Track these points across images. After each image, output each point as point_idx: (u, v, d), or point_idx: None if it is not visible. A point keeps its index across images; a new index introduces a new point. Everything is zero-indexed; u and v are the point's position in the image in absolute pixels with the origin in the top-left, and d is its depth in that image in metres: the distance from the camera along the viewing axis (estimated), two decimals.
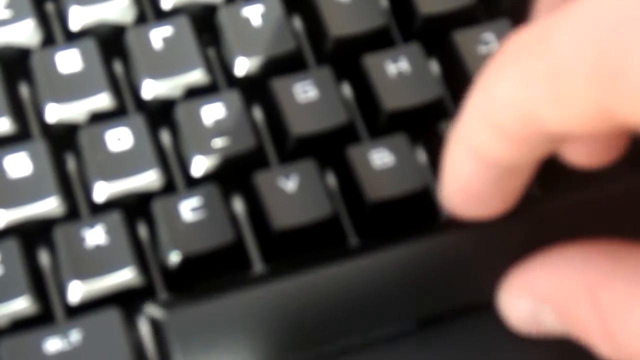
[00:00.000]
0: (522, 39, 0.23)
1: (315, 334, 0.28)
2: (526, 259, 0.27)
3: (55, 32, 0.34)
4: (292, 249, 0.30)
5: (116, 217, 0.30)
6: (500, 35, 0.33)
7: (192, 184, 0.31)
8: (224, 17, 0.33)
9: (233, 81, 0.33)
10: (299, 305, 0.28)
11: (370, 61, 0.33)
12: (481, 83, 0.24)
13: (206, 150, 0.31)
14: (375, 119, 0.32)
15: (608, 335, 0.24)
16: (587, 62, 0.21)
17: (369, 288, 0.28)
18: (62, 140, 0.32)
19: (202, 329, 0.28)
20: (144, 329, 0.30)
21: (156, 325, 0.29)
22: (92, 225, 0.30)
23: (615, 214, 0.29)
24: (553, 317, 0.26)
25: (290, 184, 0.31)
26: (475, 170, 0.25)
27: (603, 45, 0.20)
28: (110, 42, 0.33)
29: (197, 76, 0.32)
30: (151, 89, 0.32)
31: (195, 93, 0.32)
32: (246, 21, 0.33)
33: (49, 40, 0.34)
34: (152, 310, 0.29)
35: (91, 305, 0.29)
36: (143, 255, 0.30)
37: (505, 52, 0.23)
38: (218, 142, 0.31)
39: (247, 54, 0.32)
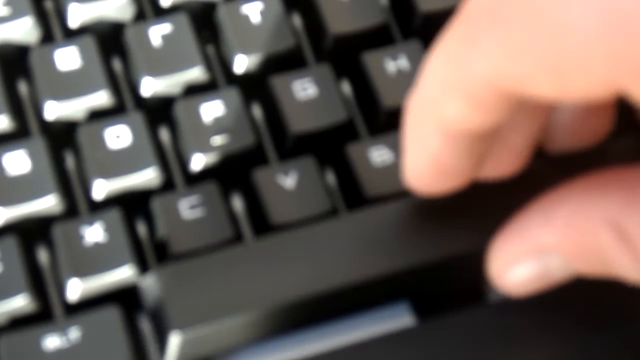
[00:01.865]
0: (506, 5, 0.21)
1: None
2: (508, 220, 0.26)
3: (54, 30, 0.34)
4: None
5: (115, 214, 0.30)
6: None
7: (191, 181, 0.31)
8: (223, 14, 0.33)
9: (232, 79, 0.33)
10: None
11: (369, 59, 0.33)
12: (447, 51, 0.22)
13: (205, 148, 0.31)
14: (374, 116, 0.32)
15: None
16: (600, 44, 0.19)
17: (360, 240, 0.28)
18: (61, 137, 0.32)
19: (193, 283, 0.28)
20: (144, 326, 0.30)
21: (148, 289, 0.29)
22: (91, 223, 0.30)
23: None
24: (561, 263, 0.25)
25: (289, 182, 0.31)
26: (443, 143, 0.24)
27: (620, 27, 0.19)
28: (109, 39, 0.33)
29: (196, 74, 0.32)
30: (150, 87, 0.32)
31: (194, 90, 0.32)
32: (245, 19, 0.33)
33: (47, 38, 0.33)
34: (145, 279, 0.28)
35: (90, 303, 0.29)
36: (142, 253, 0.30)
37: (475, 15, 0.21)
38: (217, 140, 0.31)
39: (247, 51, 0.32)
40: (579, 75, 0.20)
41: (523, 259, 0.25)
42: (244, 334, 0.28)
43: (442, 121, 0.24)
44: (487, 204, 0.28)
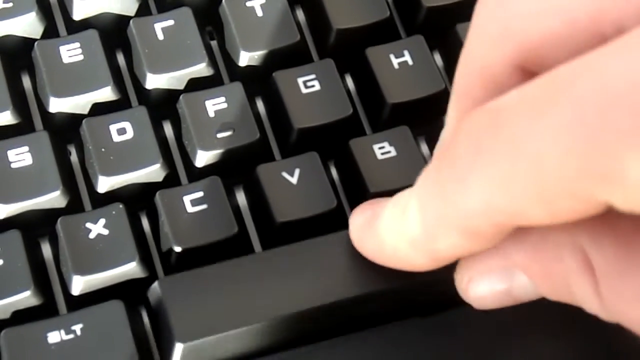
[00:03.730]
0: (483, 141, 0.21)
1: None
2: None
3: (58, 24, 0.34)
4: (295, 242, 0.30)
5: (119, 209, 0.30)
6: None
7: (195, 176, 0.31)
8: (227, 9, 0.33)
9: (236, 73, 0.33)
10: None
11: (373, 54, 0.33)
12: (435, 189, 0.23)
13: (209, 143, 0.31)
14: (378, 111, 0.32)
15: (599, 297, 0.23)
16: (575, 162, 0.19)
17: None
18: (66, 132, 0.32)
19: (194, 290, 0.28)
20: (147, 320, 0.30)
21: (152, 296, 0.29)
22: (95, 218, 0.30)
23: None
24: (526, 284, 0.25)
25: (293, 177, 0.31)
26: (427, 264, 0.25)
27: (589, 144, 0.19)
28: (113, 33, 0.33)
29: (200, 68, 0.32)
30: (154, 81, 0.32)
31: (198, 85, 0.32)
32: (250, 14, 0.33)
33: (52, 32, 0.33)
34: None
35: (94, 297, 0.29)
36: (146, 248, 0.30)
37: (458, 152, 0.22)
38: (221, 135, 0.31)
39: (251, 46, 0.32)
40: (564, 197, 0.20)
41: (489, 274, 0.26)
42: (247, 344, 0.28)
43: (432, 253, 0.24)
44: None
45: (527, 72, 0.22)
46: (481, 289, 0.26)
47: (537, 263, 0.25)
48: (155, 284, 0.28)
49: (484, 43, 0.23)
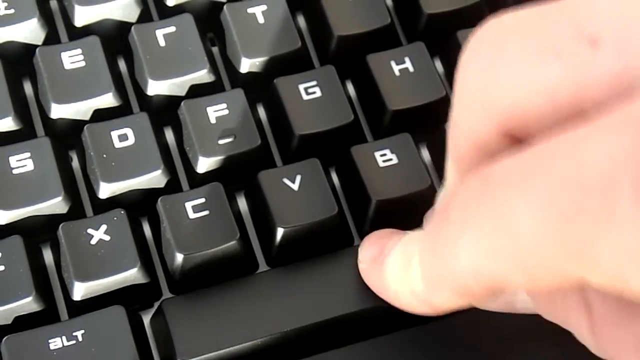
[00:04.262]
0: (471, 209, 0.21)
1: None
2: None
3: (60, 30, 0.34)
4: (296, 248, 0.30)
5: (121, 215, 0.30)
6: None
7: (197, 182, 0.31)
8: (228, 15, 0.33)
9: (237, 80, 0.33)
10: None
11: (374, 61, 0.33)
12: (431, 249, 0.23)
13: (211, 149, 0.31)
14: (379, 118, 0.32)
15: (594, 338, 0.24)
16: (549, 239, 0.19)
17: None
18: (67, 138, 0.32)
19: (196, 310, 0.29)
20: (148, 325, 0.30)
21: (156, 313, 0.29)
22: (96, 224, 0.30)
23: None
24: (528, 301, 0.26)
25: (294, 184, 0.31)
26: (425, 311, 0.26)
27: (562, 224, 0.19)
28: (114, 40, 0.33)
29: (201, 75, 0.32)
30: (155, 88, 0.32)
31: (199, 92, 0.32)
32: (251, 20, 0.33)
33: (53, 39, 0.34)
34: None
35: (96, 303, 0.29)
36: (148, 254, 0.30)
37: (451, 216, 0.22)
38: (223, 141, 0.31)
39: (252, 53, 0.33)
40: (541, 270, 0.20)
41: None
42: None
43: (432, 305, 0.25)
44: None
45: (515, 137, 0.23)
46: None
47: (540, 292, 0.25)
48: (160, 304, 0.29)
49: (469, 112, 0.23)
